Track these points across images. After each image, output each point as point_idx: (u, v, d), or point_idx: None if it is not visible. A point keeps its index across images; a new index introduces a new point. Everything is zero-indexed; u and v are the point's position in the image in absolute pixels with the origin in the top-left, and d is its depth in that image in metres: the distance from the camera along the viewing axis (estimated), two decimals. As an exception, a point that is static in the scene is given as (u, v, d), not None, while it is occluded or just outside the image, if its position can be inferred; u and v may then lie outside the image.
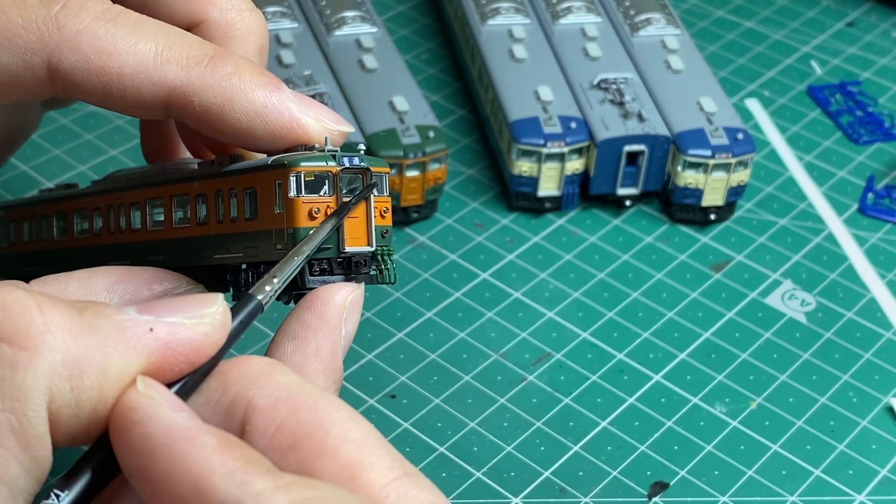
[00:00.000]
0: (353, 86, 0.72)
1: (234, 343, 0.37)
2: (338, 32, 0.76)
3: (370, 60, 0.74)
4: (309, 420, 0.35)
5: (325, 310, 0.40)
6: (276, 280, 0.38)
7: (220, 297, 0.37)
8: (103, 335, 0.35)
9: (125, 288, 0.42)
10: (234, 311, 0.37)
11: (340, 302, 0.40)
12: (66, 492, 0.35)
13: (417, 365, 0.63)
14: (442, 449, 0.58)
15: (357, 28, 0.76)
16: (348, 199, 0.40)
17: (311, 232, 0.40)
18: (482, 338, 0.64)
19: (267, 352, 0.41)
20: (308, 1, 0.79)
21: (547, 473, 0.58)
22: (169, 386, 0.36)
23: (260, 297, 0.38)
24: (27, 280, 0.42)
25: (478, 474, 0.57)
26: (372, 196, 0.41)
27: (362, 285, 0.41)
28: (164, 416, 0.34)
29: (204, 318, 0.36)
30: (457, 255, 0.70)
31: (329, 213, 0.40)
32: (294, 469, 0.34)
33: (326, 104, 0.69)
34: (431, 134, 0.69)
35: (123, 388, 0.35)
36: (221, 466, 0.33)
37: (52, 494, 0.34)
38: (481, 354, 0.63)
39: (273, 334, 0.41)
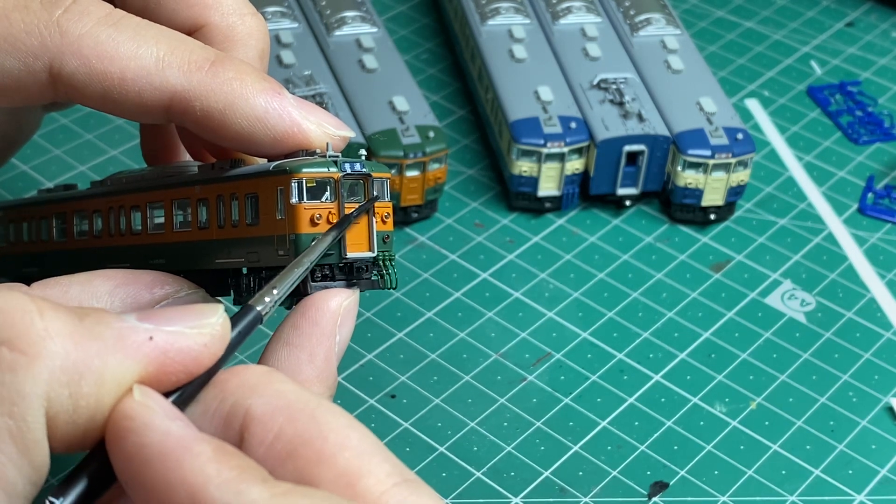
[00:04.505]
0: (353, 86, 0.72)
1: (232, 353, 0.37)
2: (338, 32, 0.76)
3: (370, 60, 0.74)
4: (307, 428, 0.35)
5: (319, 316, 0.40)
6: (275, 291, 0.38)
7: (220, 307, 0.37)
8: (103, 342, 0.35)
9: (126, 291, 0.42)
10: (234, 322, 0.37)
11: (335, 308, 0.40)
12: (62, 499, 0.34)
13: (417, 365, 0.63)
14: (442, 449, 0.59)
15: (357, 28, 0.76)
16: (350, 212, 0.40)
17: (313, 243, 0.40)
18: (482, 338, 0.64)
19: (261, 357, 0.41)
20: (308, 1, 0.79)
21: (547, 473, 0.58)
22: (166, 395, 0.36)
23: (259, 308, 0.38)
24: (27, 282, 0.42)
25: (478, 474, 0.58)
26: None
27: (357, 291, 0.41)
28: (159, 424, 0.34)
29: (204, 328, 0.36)
30: (457, 255, 0.70)
31: (331, 219, 0.40)
32: (293, 477, 0.34)
33: (326, 104, 0.69)
34: (431, 134, 0.69)
35: (121, 396, 0.35)
36: (217, 475, 0.33)
37: (48, 501, 0.34)
38: (481, 354, 0.64)
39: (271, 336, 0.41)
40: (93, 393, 0.34)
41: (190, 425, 0.35)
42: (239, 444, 0.35)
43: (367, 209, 0.41)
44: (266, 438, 0.35)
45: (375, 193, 0.41)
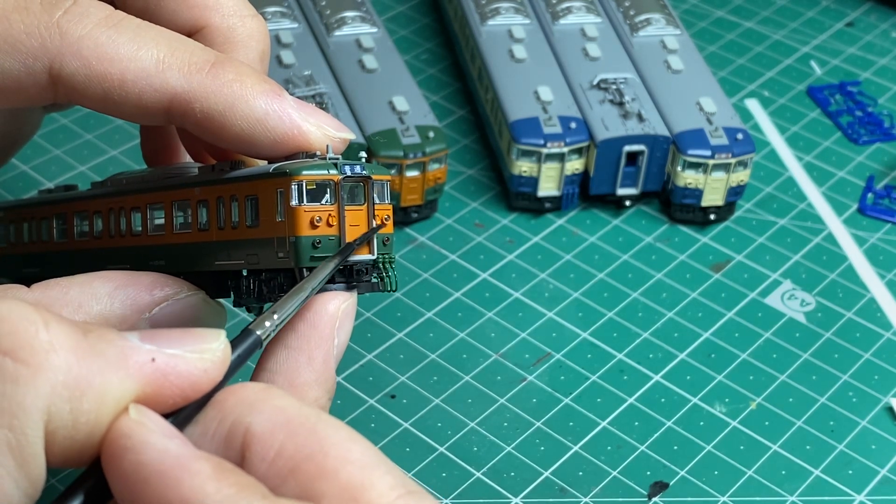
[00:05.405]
0: (353, 86, 0.72)
1: (231, 378, 0.37)
2: (338, 32, 0.76)
3: (370, 60, 0.74)
4: (308, 443, 0.35)
5: (317, 319, 0.40)
6: (276, 316, 0.38)
7: (222, 333, 0.37)
8: (105, 359, 0.34)
9: (126, 293, 0.42)
10: (233, 346, 0.37)
11: (333, 311, 0.40)
12: None
13: (417, 365, 0.63)
14: (442, 449, 0.59)
15: (357, 28, 0.76)
16: (352, 241, 0.40)
17: (315, 270, 0.40)
18: (482, 338, 0.65)
19: (260, 360, 0.41)
20: (308, 1, 0.79)
21: (547, 473, 0.58)
22: (166, 416, 0.36)
23: (259, 333, 0.38)
24: (28, 283, 0.42)
25: (478, 474, 0.58)
26: (373, 203, 0.41)
27: (355, 294, 0.41)
28: (157, 443, 0.34)
29: (204, 353, 0.36)
30: (457, 255, 0.70)
31: (331, 221, 0.40)
32: (296, 494, 0.34)
33: (326, 104, 0.69)
34: (431, 134, 0.69)
35: (119, 415, 0.35)
36: (216, 493, 0.33)
37: None
38: (481, 354, 0.64)
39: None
40: (93, 410, 0.34)
41: (188, 443, 0.35)
42: (240, 462, 0.35)
43: (370, 238, 0.41)
44: (267, 455, 0.35)
45: (376, 209, 0.41)
